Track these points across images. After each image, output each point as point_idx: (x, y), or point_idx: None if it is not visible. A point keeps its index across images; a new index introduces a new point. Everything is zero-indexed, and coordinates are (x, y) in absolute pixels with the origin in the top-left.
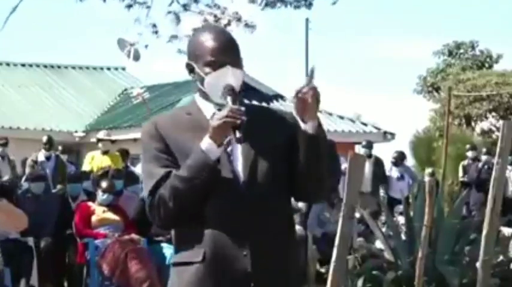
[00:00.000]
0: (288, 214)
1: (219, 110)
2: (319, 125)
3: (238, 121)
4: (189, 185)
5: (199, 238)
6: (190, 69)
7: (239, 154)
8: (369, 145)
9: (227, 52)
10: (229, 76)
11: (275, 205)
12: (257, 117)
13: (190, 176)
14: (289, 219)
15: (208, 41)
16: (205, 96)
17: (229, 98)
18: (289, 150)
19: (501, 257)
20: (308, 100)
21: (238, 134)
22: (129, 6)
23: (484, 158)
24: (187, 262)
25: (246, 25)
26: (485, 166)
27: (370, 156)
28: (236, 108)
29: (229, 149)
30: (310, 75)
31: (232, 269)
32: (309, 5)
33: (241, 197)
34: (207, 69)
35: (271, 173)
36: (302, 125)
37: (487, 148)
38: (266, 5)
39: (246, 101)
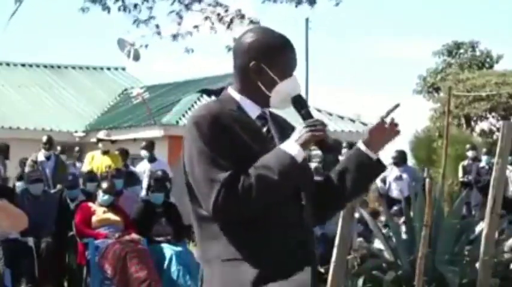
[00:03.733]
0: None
1: (263, 113)
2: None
3: (322, 134)
4: (281, 179)
5: (260, 240)
6: (257, 70)
7: None
8: (350, 146)
9: (296, 62)
10: (298, 86)
11: (312, 219)
12: (281, 120)
13: (282, 180)
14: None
15: (285, 47)
16: (254, 97)
17: (304, 111)
18: None
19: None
20: (389, 133)
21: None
22: (135, 22)
23: (484, 158)
24: (239, 259)
25: (251, 22)
26: (486, 166)
27: None
28: (320, 122)
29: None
30: (393, 109)
31: (295, 282)
32: (311, 3)
33: (299, 209)
34: (280, 75)
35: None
36: (364, 147)
37: (488, 148)
38: None
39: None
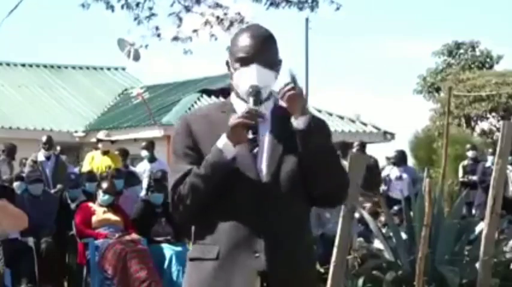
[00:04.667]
0: (305, 218)
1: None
2: (314, 121)
3: (253, 122)
4: (204, 182)
5: (215, 235)
6: (227, 66)
7: (265, 154)
8: (362, 146)
9: (257, 51)
10: (254, 75)
11: (293, 209)
12: (286, 119)
13: (205, 173)
14: (305, 223)
15: (243, 37)
16: (240, 95)
17: (251, 99)
18: None
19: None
20: (292, 97)
21: (250, 135)
22: (136, 19)
23: (490, 158)
24: (202, 258)
25: None
26: (493, 166)
27: None
28: (254, 110)
29: (256, 149)
30: (292, 79)
31: (244, 269)
32: (312, 8)
33: (260, 198)
34: (236, 65)
35: (293, 177)
36: (294, 122)
37: (493, 148)
38: (271, 4)
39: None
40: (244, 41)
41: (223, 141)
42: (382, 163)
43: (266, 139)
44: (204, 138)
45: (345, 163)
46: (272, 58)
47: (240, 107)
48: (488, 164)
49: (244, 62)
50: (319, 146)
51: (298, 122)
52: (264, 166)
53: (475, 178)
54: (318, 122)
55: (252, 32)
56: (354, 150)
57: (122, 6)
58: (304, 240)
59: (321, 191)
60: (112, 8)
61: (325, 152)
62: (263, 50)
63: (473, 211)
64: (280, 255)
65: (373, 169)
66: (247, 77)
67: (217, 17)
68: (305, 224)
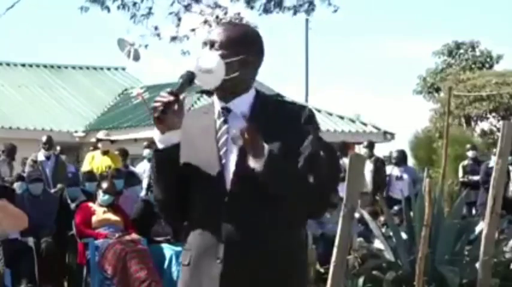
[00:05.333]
0: (277, 225)
1: (223, 108)
2: (272, 162)
3: (158, 104)
4: (155, 179)
5: (189, 240)
6: None
7: (233, 156)
8: (371, 145)
9: (212, 35)
10: (198, 59)
11: (260, 214)
12: (267, 116)
13: (152, 168)
14: (276, 230)
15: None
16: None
17: (178, 82)
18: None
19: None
20: (248, 141)
21: (156, 114)
22: (132, 17)
23: (494, 158)
24: (183, 263)
25: None
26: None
27: (371, 156)
28: (161, 95)
29: (223, 149)
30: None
31: (209, 276)
32: (308, 12)
33: (223, 203)
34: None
35: (259, 184)
36: (251, 162)
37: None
38: (264, 10)
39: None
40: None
41: (156, 132)
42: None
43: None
44: (185, 139)
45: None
46: (230, 47)
47: (216, 104)
48: (491, 164)
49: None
50: (277, 183)
51: (254, 164)
52: (231, 169)
53: (475, 178)
54: (276, 162)
55: (223, 24)
56: (362, 147)
57: (118, 7)
58: (275, 249)
59: (304, 211)
60: (108, 8)
61: (286, 184)
62: (220, 37)
63: (474, 211)
64: (241, 263)
65: (380, 170)
66: (194, 62)
67: (217, 17)
68: (276, 232)
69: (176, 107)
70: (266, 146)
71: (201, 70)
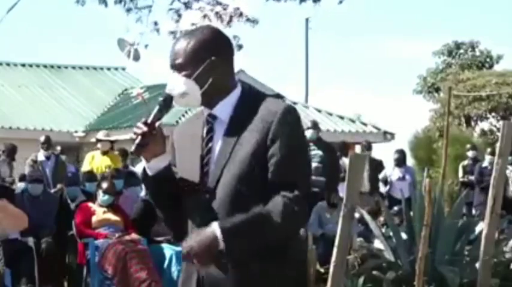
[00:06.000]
0: None
1: (209, 115)
2: (232, 261)
3: (135, 139)
4: (151, 195)
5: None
6: None
7: (213, 160)
8: (368, 147)
9: (171, 57)
10: (167, 85)
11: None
12: (246, 117)
13: (147, 188)
14: None
15: None
16: None
17: (155, 109)
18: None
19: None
20: (198, 260)
21: (132, 148)
22: (129, 10)
23: (487, 158)
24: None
25: (248, 20)
26: (489, 167)
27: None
28: (137, 124)
29: (207, 158)
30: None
31: (192, 279)
32: (315, 0)
33: (203, 208)
34: None
35: (231, 190)
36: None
37: (492, 148)
38: None
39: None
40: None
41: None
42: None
43: (218, 144)
44: (176, 146)
45: (346, 161)
46: (182, 60)
47: (205, 114)
48: (485, 164)
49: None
50: (250, 250)
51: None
52: (211, 172)
53: (471, 178)
54: (235, 247)
55: (175, 42)
56: (359, 149)
57: (115, 1)
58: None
59: None
60: (105, 3)
61: (255, 246)
62: (177, 56)
63: (474, 211)
64: (218, 274)
65: (377, 169)
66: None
67: (216, 13)
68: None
69: (155, 134)
70: (220, 240)
71: (176, 96)
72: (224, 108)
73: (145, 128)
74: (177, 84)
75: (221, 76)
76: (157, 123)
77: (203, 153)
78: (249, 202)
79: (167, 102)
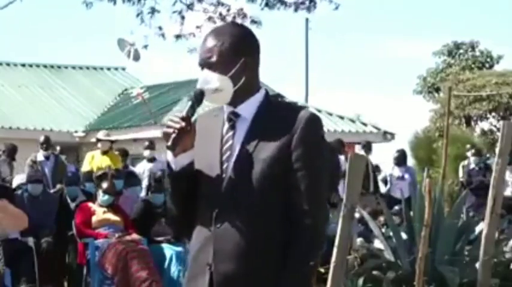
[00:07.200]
0: (274, 233)
1: (231, 113)
2: None
3: (171, 130)
4: (170, 195)
5: (191, 241)
6: None
7: (233, 158)
8: (368, 147)
9: (204, 55)
10: (201, 80)
11: (253, 222)
12: (270, 119)
13: (168, 185)
14: (272, 238)
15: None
16: None
17: (188, 105)
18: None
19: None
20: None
21: (169, 143)
22: (139, 14)
23: (472, 159)
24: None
25: (252, 21)
26: (476, 168)
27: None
28: (172, 118)
29: (227, 154)
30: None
31: (200, 281)
32: (309, 9)
33: (218, 207)
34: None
35: (253, 190)
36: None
37: (476, 149)
38: (266, 5)
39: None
40: (200, 46)
41: (169, 154)
42: (383, 163)
43: (239, 142)
44: (196, 143)
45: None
46: (221, 59)
47: (225, 108)
48: (472, 165)
49: (200, 68)
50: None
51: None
52: (230, 169)
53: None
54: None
55: (207, 34)
56: (359, 149)
57: (123, 0)
58: (267, 259)
59: None
60: (114, 0)
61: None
62: (210, 52)
63: (471, 213)
64: (231, 271)
65: (374, 172)
66: (198, 83)
67: (220, 14)
68: (272, 239)
69: (189, 129)
70: None
71: (208, 91)
72: (248, 108)
73: (183, 123)
74: (212, 80)
75: (251, 76)
76: (192, 118)
77: (223, 150)
78: (268, 199)
79: (198, 98)
